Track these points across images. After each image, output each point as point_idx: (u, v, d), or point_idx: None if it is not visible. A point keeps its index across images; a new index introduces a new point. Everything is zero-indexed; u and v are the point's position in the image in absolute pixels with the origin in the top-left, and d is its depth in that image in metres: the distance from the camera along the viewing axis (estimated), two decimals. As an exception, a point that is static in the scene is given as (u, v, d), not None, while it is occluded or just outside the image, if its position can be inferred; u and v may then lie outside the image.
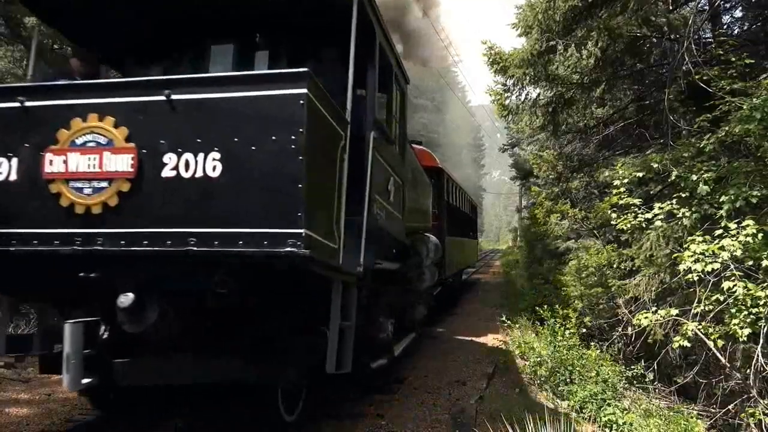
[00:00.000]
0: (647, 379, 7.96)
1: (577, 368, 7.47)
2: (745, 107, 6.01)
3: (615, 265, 8.41)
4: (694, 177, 6.50)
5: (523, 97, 11.13)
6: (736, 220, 6.06)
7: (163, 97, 3.19)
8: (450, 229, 12.90)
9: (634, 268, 7.85)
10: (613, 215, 7.45)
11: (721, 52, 7.73)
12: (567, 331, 8.10)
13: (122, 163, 3.22)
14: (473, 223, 21.92)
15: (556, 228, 12.01)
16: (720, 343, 6.13)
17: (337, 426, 5.12)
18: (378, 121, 4.66)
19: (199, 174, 3.12)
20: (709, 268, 5.96)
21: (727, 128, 6.34)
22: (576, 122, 11.58)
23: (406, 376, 7.09)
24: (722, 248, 5.89)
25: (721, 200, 6.16)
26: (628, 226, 7.10)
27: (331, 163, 3.60)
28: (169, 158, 3.17)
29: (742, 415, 6.25)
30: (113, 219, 3.22)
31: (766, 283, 5.82)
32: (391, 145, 5.36)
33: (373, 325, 5.77)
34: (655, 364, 7.76)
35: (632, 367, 7.94)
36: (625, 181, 7.30)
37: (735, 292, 5.74)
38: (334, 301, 3.65)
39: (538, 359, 7.81)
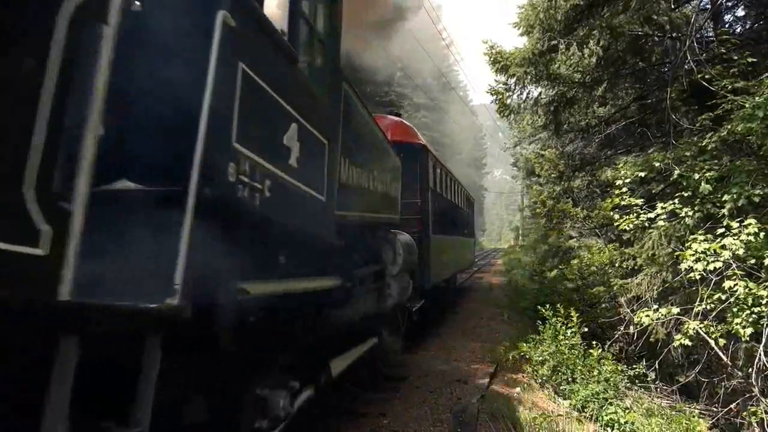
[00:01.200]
0: (649, 379, 7.96)
1: (579, 367, 7.47)
2: (747, 106, 6.00)
3: (617, 264, 8.41)
4: (696, 176, 6.50)
5: (524, 96, 11.15)
6: (738, 219, 6.06)
7: None
8: (437, 226, 10.41)
9: (635, 267, 7.85)
10: (616, 216, 7.45)
11: (723, 51, 7.72)
12: (569, 330, 8.10)
13: None
14: (469, 219, 18.72)
15: (559, 226, 12.02)
16: (722, 342, 6.13)
17: (339, 425, 5.13)
18: (251, 8, 2.51)
19: None
20: (711, 267, 5.96)
21: (729, 127, 6.33)
22: (578, 121, 11.58)
23: (408, 375, 7.09)
24: (724, 247, 5.89)
25: (723, 199, 6.15)
26: (631, 226, 7.10)
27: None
28: None
29: (744, 414, 6.25)
30: None
31: (768, 282, 5.83)
32: (292, 65, 3.03)
33: (237, 410, 2.87)
34: (657, 364, 7.76)
35: (634, 366, 7.94)
36: (627, 180, 7.30)
37: (736, 291, 5.74)
38: (54, 384, 1.69)
39: (540, 358, 7.81)
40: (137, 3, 1.99)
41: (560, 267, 12.75)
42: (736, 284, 5.75)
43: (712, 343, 6.23)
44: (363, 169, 4.89)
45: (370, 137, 5.30)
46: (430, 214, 9.72)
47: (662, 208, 6.82)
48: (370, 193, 5.15)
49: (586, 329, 8.72)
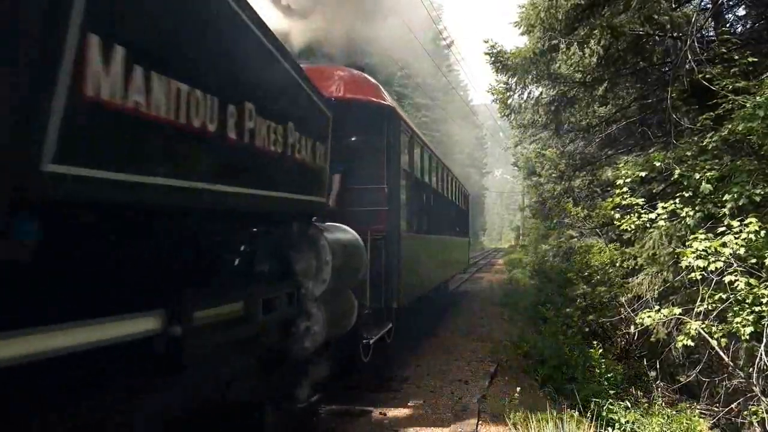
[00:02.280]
0: (650, 378, 7.96)
1: (580, 367, 7.47)
2: (748, 105, 6.00)
3: (618, 264, 8.41)
4: (697, 176, 6.50)
5: (525, 96, 11.16)
6: (739, 218, 6.06)
7: None
8: (414, 221, 8.09)
9: (636, 267, 7.85)
10: (616, 216, 7.44)
11: (724, 51, 7.72)
12: (570, 330, 8.11)
13: None
14: (463, 216, 15.91)
15: (560, 227, 12.02)
16: (723, 341, 6.13)
17: (341, 424, 5.14)
18: None
19: None
20: (712, 267, 5.96)
21: (730, 126, 6.33)
22: (578, 121, 11.58)
23: (409, 375, 7.10)
24: (724, 245, 5.89)
25: (724, 199, 6.15)
26: (632, 226, 7.08)
27: None
28: None
29: (745, 413, 6.26)
30: None
31: (769, 282, 5.82)
32: None
33: None
34: (658, 363, 7.76)
35: (635, 365, 7.95)
36: (628, 180, 7.29)
37: (737, 287, 5.74)
38: None
39: (541, 358, 7.82)
40: None
41: (562, 266, 12.77)
42: (737, 280, 5.75)
43: (713, 342, 6.23)
44: (215, 100, 2.44)
45: (242, 44, 2.78)
46: (403, 205, 7.22)
47: (663, 208, 6.81)
48: (241, 152, 2.73)
49: (587, 329, 8.73)
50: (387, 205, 6.67)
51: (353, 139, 6.72)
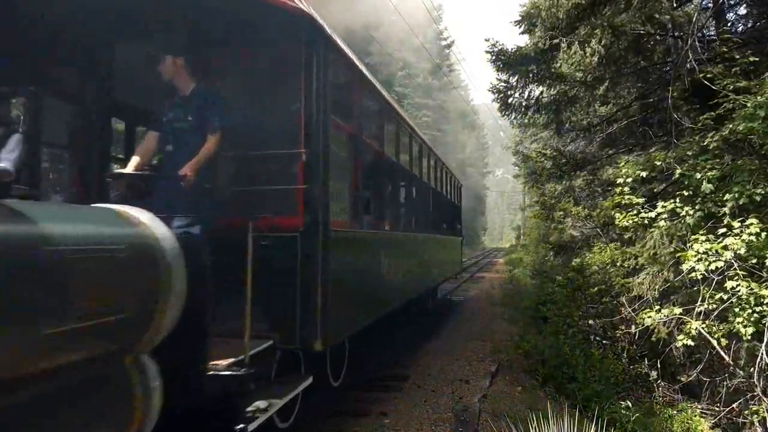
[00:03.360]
0: (651, 378, 7.96)
1: (580, 366, 7.47)
2: (749, 105, 5.99)
3: (618, 264, 8.40)
4: (698, 175, 6.49)
5: (526, 95, 11.15)
6: (740, 219, 6.05)
7: None
8: (363, 210, 5.54)
9: (637, 267, 7.84)
10: (617, 215, 7.44)
11: (725, 50, 7.70)
12: (570, 330, 8.11)
13: None
14: (454, 210, 13.43)
15: (563, 227, 12.00)
16: (724, 341, 6.13)
17: (341, 424, 5.14)
18: None
19: None
20: (712, 266, 5.95)
21: (730, 126, 6.32)
22: (579, 120, 11.57)
23: (409, 375, 7.10)
24: (725, 247, 5.88)
25: (724, 198, 6.15)
26: (630, 223, 7.07)
27: None
28: None
29: (746, 413, 6.26)
30: None
31: (770, 282, 5.81)
32: None
33: None
34: (659, 363, 7.76)
35: (636, 365, 7.95)
36: (629, 180, 7.28)
37: (738, 291, 5.73)
38: None
39: (542, 358, 7.82)
40: None
41: (563, 266, 12.75)
42: (738, 284, 5.74)
43: (714, 342, 6.23)
44: None
45: None
46: (339, 184, 4.71)
47: (663, 207, 6.80)
48: None
49: (587, 328, 8.73)
50: (305, 182, 4.02)
51: (243, 71, 4.29)
